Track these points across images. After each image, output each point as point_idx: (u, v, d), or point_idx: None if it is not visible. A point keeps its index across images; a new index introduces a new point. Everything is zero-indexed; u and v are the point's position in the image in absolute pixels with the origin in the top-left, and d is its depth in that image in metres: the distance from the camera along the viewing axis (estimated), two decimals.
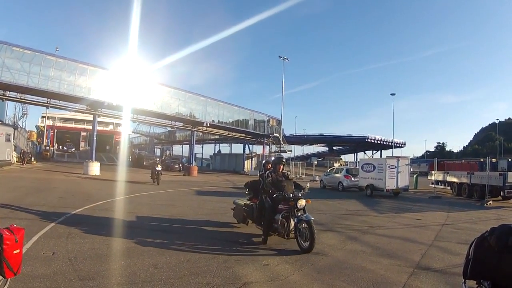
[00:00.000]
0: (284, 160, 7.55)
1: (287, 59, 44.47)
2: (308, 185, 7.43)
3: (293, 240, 6.47)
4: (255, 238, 7.21)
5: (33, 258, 5.21)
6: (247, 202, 8.21)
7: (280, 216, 6.61)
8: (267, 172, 7.24)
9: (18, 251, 3.25)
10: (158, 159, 23.35)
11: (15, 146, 31.39)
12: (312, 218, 6.30)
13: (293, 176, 8.40)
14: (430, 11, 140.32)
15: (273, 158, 8.05)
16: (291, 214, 6.53)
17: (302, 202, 6.51)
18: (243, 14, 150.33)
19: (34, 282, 4.29)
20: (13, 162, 28.34)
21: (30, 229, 7.02)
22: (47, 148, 50.96)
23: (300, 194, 6.74)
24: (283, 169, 7.26)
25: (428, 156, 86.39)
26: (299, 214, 6.48)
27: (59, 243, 6.20)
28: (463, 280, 2.40)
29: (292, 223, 6.48)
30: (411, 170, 24.28)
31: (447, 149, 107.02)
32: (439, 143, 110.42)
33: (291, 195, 6.66)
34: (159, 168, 20.86)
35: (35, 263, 4.99)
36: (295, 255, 6.13)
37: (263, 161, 8.93)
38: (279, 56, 44.12)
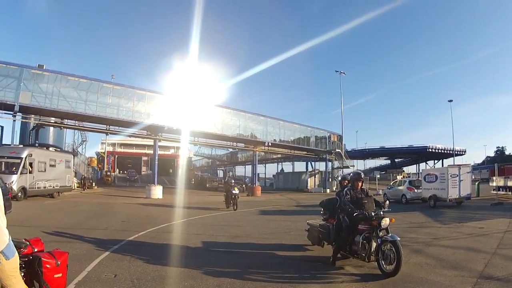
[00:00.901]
0: (362, 175, 7.20)
1: (344, 73, 44.86)
2: (387, 202, 6.99)
3: (374, 263, 6.07)
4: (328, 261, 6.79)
5: (94, 281, 5.26)
6: (323, 222, 8.01)
7: (360, 238, 6.25)
8: (345, 190, 6.98)
9: (60, 275, 3.41)
10: (233, 181, 20.89)
11: (75, 172, 33.83)
12: (399, 239, 5.82)
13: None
14: (477, 11, 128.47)
15: (350, 174, 7.81)
16: (373, 235, 6.12)
17: (386, 221, 6.12)
18: (301, 36, 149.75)
19: None
20: (73, 188, 30.42)
21: (91, 252, 7.30)
22: (108, 173, 54.38)
23: (382, 212, 6.38)
24: (362, 186, 6.95)
25: (488, 162, 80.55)
26: (380, 234, 6.08)
27: (121, 266, 6.25)
28: None
29: (374, 245, 6.07)
30: (473, 177, 24.59)
31: (507, 153, 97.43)
32: (498, 147, 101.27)
33: (372, 213, 6.28)
34: (236, 191, 18.31)
35: (97, 286, 5.02)
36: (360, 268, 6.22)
37: (339, 178, 8.45)
38: (335, 71, 44.61)
